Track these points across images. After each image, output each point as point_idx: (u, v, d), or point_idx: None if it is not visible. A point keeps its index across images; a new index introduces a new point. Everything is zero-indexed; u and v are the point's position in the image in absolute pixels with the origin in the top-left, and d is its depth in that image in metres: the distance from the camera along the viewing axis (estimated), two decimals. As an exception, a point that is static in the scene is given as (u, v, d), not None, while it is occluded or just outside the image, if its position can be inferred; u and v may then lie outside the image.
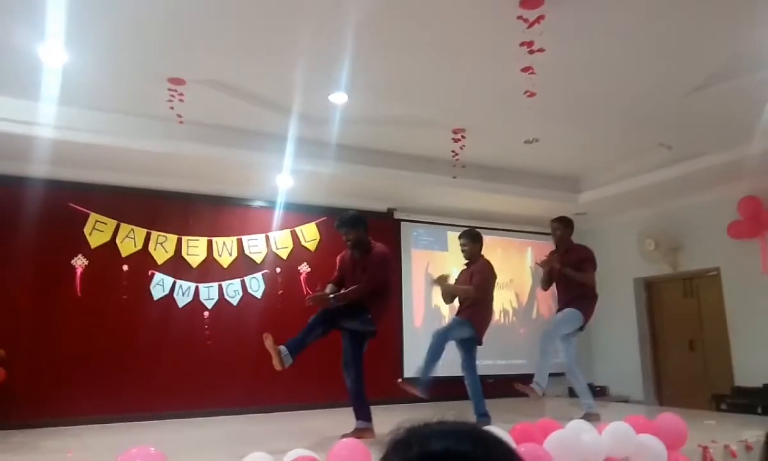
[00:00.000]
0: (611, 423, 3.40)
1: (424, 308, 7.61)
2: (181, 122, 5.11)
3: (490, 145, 6.24)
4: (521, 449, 2.94)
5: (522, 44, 3.89)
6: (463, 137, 5.88)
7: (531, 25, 3.72)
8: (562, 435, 3.19)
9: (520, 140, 6.18)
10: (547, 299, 8.44)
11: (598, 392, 7.89)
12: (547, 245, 8.65)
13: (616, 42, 4.20)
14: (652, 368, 7.82)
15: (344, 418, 4.51)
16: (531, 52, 3.92)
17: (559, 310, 5.39)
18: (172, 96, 4.80)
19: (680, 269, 7.40)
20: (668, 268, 7.48)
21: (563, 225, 5.42)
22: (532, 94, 4.36)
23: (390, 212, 7.57)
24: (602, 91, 5.02)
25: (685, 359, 7.47)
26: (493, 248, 8.09)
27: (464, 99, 5.18)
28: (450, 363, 7.47)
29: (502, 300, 7.94)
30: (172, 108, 4.90)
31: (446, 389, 7.22)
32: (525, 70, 4.13)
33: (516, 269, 8.20)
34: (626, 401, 7.42)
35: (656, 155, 6.41)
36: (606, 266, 8.39)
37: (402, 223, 7.66)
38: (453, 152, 6.04)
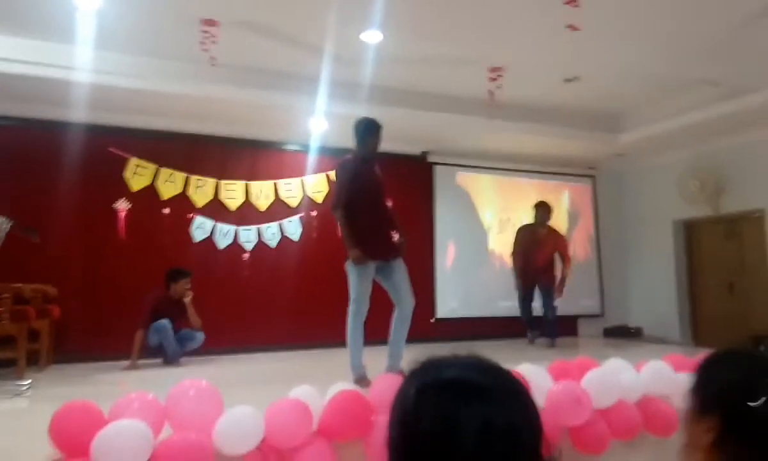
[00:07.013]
0: (650, 362, 3.38)
1: (455, 250, 7.63)
2: (213, 64, 5.10)
3: (528, 84, 6.07)
4: (558, 386, 2.98)
5: (565, -25, 3.73)
6: (500, 76, 5.73)
7: (576, -47, 3.55)
8: (600, 372, 3.20)
9: (559, 79, 5.99)
10: (584, 241, 8.35)
11: (633, 333, 7.87)
12: (585, 188, 8.52)
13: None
14: (689, 310, 7.74)
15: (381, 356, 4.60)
16: (575, -18, 3.76)
17: None
18: (206, 38, 4.79)
19: (722, 211, 7.21)
20: (710, 210, 7.29)
21: None
22: (576, 28, 4.20)
23: (423, 155, 7.51)
24: (647, 23, 4.79)
25: (723, 301, 7.36)
26: (528, 191, 7.99)
27: (503, 35, 5.02)
28: (475, 303, 7.58)
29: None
30: (206, 50, 4.89)
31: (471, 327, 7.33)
32: (568, 2, 3.97)
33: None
34: (662, 342, 7.40)
35: (702, 91, 6.15)
36: (645, 208, 8.26)
37: (435, 166, 7.60)
38: (489, 91, 5.90)
